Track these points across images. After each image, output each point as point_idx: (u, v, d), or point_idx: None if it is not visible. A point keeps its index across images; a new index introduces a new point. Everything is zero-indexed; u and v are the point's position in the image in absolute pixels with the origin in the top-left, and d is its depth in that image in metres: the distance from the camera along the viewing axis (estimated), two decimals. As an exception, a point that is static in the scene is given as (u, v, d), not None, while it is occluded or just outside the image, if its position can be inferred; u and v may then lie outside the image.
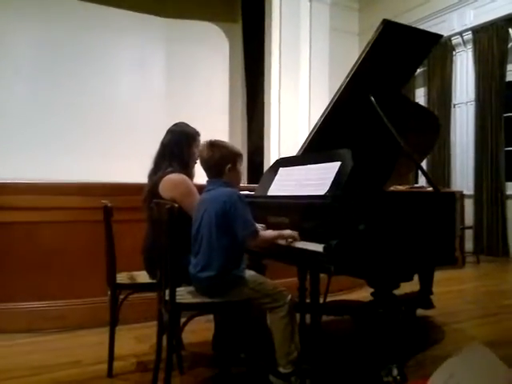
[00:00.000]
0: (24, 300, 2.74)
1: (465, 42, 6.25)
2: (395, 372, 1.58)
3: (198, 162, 2.00)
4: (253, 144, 6.66)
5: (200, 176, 2.17)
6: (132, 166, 4.10)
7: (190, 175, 2.24)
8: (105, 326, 2.14)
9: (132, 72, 6.51)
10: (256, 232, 1.77)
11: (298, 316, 2.21)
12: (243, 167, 1.95)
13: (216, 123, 6.35)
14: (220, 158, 1.84)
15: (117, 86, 6.33)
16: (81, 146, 5.82)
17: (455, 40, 6.32)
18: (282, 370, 1.78)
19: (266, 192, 2.35)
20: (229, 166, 1.84)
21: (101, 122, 6.04)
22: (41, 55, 5.93)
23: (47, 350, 2.42)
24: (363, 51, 2.15)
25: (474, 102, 6.12)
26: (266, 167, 5.17)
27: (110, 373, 2.07)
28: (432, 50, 2.41)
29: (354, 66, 2.19)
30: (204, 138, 2.03)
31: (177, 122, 2.38)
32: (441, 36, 2.35)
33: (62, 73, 5.97)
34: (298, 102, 6.06)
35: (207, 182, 1.91)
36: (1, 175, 3.87)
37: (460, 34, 6.23)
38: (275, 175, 2.40)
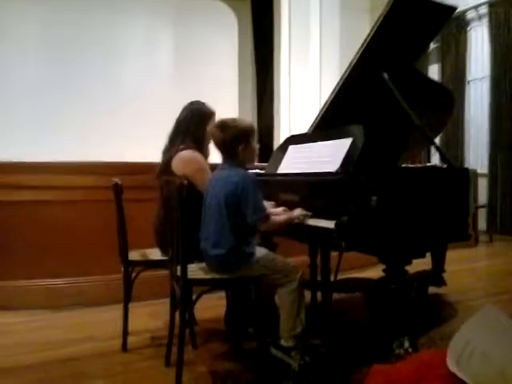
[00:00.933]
0: (42, 277, 2.80)
1: (480, 17, 6.06)
2: (407, 344, 1.59)
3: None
4: (263, 122, 6.60)
5: (214, 155, 2.16)
6: (141, 146, 4.11)
7: (204, 154, 2.23)
8: (119, 302, 2.18)
9: (140, 52, 6.45)
10: (266, 217, 1.74)
11: (309, 294, 2.23)
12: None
13: (226, 102, 6.28)
14: (232, 139, 1.78)
15: (125, 67, 6.29)
16: (90, 128, 5.82)
17: (470, 14, 6.13)
18: (283, 343, 1.79)
19: (277, 170, 2.34)
20: (242, 146, 1.79)
21: (110, 103, 6.02)
22: (48, 37, 5.89)
23: (64, 325, 2.49)
24: (374, 25, 2.09)
25: (488, 78, 5.96)
26: (276, 145, 5.15)
27: (125, 347, 2.12)
28: (446, 23, 2.33)
29: (366, 40, 2.13)
30: (217, 118, 1.99)
31: (193, 100, 2.34)
32: (455, 8, 2.27)
33: (70, 55, 5.94)
34: (308, 79, 5.97)
35: (222, 160, 1.88)
36: (13, 156, 3.90)
37: (475, 7, 6.04)
38: (285, 153, 2.38)
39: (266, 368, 1.76)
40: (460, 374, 0.74)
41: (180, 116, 2.27)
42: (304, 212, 1.81)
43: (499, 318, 0.80)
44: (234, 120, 1.84)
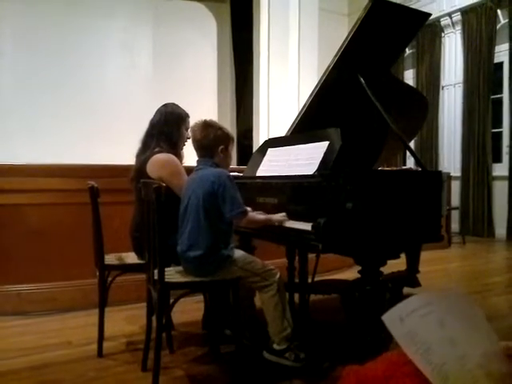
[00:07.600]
0: (14, 283, 2.73)
1: (454, 24, 6.23)
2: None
3: (188, 142, 1.99)
4: (242, 125, 6.62)
5: (189, 158, 2.16)
6: (119, 148, 4.05)
7: (179, 156, 2.23)
8: (95, 307, 2.15)
9: (119, 53, 6.38)
10: (244, 212, 1.76)
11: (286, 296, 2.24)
12: (233, 150, 1.95)
13: (204, 104, 6.28)
14: (214, 139, 1.84)
15: (103, 68, 6.21)
16: (67, 129, 5.73)
17: (444, 21, 6.30)
18: (276, 346, 1.81)
19: (255, 173, 2.35)
20: (222, 147, 1.85)
21: (88, 105, 5.94)
22: (25, 38, 5.76)
23: (38, 331, 2.43)
24: (352, 29, 2.13)
25: (462, 84, 6.14)
26: (255, 148, 5.16)
27: (101, 353, 2.08)
28: (421, 30, 2.39)
29: (343, 44, 2.17)
30: (193, 120, 2.01)
31: (167, 102, 2.35)
32: (429, 14, 2.33)
33: (48, 56, 5.82)
34: (287, 81, 6.01)
35: (197, 161, 1.90)
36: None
37: (449, 14, 6.21)
38: (264, 156, 2.39)
39: (243, 371, 1.76)
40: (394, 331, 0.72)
41: (154, 118, 2.25)
42: (284, 218, 1.82)
43: (468, 302, 0.81)
44: (217, 122, 1.91)
